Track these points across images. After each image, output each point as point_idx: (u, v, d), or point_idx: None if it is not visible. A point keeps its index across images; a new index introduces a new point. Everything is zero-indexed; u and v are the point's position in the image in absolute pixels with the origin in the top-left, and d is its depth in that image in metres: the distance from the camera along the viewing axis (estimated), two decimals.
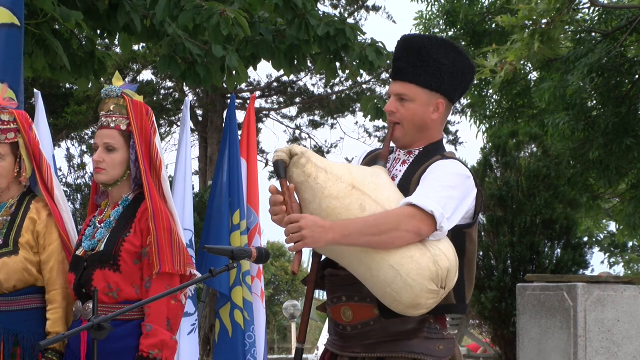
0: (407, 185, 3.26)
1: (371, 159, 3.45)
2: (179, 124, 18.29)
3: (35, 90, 5.51)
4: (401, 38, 3.39)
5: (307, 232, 3.02)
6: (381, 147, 3.54)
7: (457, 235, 3.24)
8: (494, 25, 13.38)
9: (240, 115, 15.24)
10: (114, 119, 3.87)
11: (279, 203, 3.13)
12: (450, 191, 3.17)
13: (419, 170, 3.28)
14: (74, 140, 16.40)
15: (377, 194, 3.16)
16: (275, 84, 19.29)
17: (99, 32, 6.47)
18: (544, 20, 10.92)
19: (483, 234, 12.30)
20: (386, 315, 3.20)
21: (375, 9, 18.80)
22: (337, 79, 18.41)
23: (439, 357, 3.22)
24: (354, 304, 3.25)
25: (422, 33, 12.76)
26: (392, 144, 3.40)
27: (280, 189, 3.16)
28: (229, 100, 8.17)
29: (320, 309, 3.49)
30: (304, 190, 3.16)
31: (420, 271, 3.09)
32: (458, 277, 3.20)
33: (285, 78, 18.66)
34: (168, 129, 19.26)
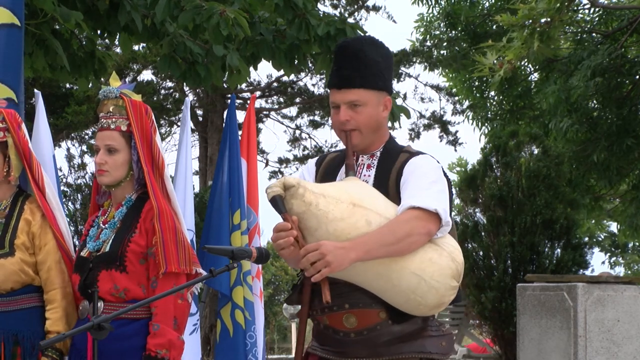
0: (385, 188, 3.28)
1: (329, 168, 3.44)
2: (179, 124, 18.27)
3: (35, 90, 5.50)
4: (337, 46, 3.42)
5: (330, 257, 3.02)
6: (326, 151, 3.53)
7: None
8: (494, 27, 13.36)
9: (240, 115, 15.22)
10: (113, 120, 3.86)
11: (292, 237, 3.09)
12: (437, 186, 3.24)
13: (390, 170, 3.31)
14: (74, 140, 16.37)
15: (376, 206, 3.18)
16: (275, 84, 19.27)
17: (99, 32, 6.46)
18: (544, 20, 10.91)
19: (483, 234, 12.30)
20: (397, 319, 3.22)
21: (375, 9, 18.78)
22: None
23: (444, 353, 3.28)
24: (359, 310, 3.24)
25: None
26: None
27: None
28: (229, 100, 8.17)
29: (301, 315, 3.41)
30: (306, 219, 3.14)
31: (442, 271, 3.16)
32: None
33: (285, 78, 18.64)
34: (168, 129, 19.24)
